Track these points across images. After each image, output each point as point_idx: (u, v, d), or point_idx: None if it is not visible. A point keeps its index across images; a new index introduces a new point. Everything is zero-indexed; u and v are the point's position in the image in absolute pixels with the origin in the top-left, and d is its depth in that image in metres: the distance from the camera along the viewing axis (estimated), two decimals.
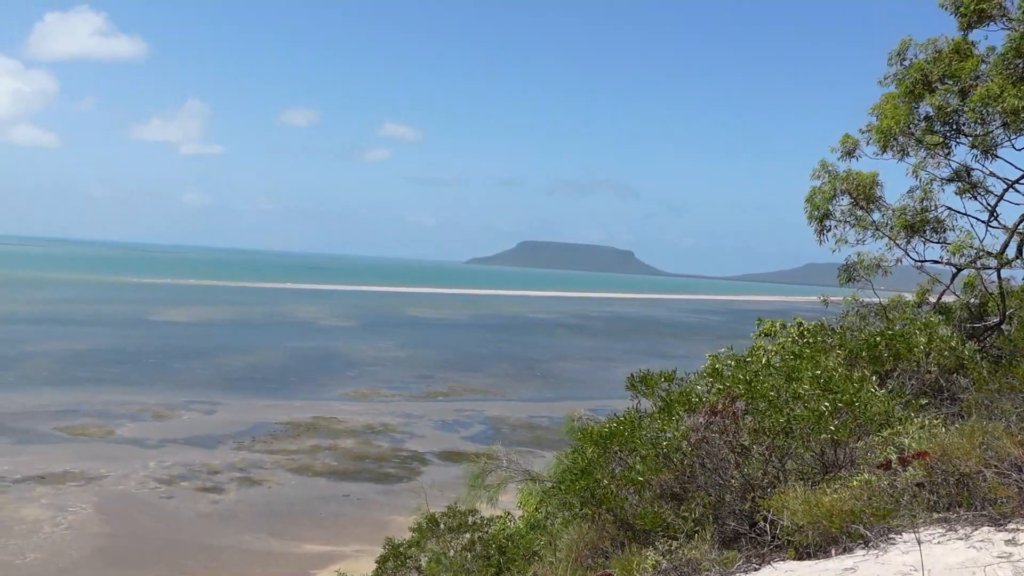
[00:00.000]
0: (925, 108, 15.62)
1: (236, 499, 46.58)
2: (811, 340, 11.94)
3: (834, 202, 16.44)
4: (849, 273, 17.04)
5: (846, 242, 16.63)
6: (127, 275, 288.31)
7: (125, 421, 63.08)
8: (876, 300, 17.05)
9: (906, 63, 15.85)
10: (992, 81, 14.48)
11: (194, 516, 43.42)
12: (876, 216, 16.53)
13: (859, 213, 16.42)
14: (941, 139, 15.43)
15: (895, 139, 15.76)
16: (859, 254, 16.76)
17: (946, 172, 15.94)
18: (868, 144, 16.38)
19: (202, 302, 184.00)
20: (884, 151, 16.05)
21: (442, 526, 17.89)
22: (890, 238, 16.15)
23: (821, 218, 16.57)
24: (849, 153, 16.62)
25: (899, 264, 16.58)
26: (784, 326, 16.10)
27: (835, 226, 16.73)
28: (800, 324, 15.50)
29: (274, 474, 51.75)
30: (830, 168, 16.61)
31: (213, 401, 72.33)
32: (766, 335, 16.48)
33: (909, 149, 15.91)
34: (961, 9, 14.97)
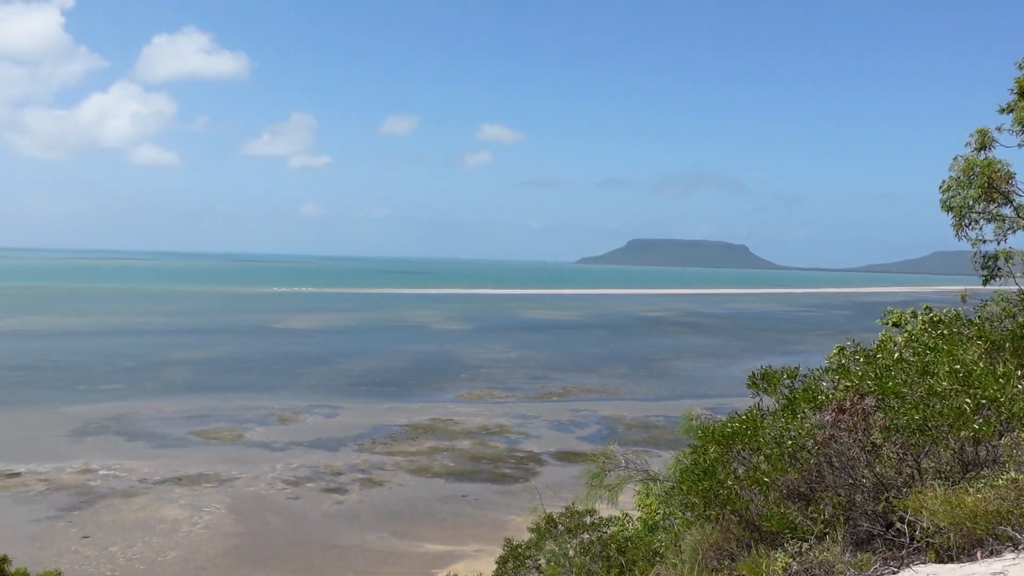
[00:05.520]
0: None
1: (359, 499, 47.86)
2: (946, 331, 11.29)
3: (969, 195, 15.42)
4: (990, 270, 15.87)
5: (984, 241, 15.55)
6: (251, 286, 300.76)
7: (253, 425, 65.79)
8: (1018, 289, 15.94)
9: None
10: None
11: (320, 516, 44.84)
12: (1009, 210, 15.46)
13: (993, 208, 15.39)
14: None
15: None
16: (999, 250, 15.70)
17: None
18: (1006, 132, 15.36)
19: (322, 309, 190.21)
20: None
21: (560, 527, 17.84)
22: None
23: (960, 213, 15.52)
24: (983, 147, 15.61)
25: None
26: (914, 315, 15.28)
27: (973, 222, 15.64)
28: (929, 309, 14.66)
29: (394, 475, 52.91)
30: (968, 158, 15.60)
31: (334, 405, 74.59)
32: (895, 325, 15.70)
33: None
34: None
